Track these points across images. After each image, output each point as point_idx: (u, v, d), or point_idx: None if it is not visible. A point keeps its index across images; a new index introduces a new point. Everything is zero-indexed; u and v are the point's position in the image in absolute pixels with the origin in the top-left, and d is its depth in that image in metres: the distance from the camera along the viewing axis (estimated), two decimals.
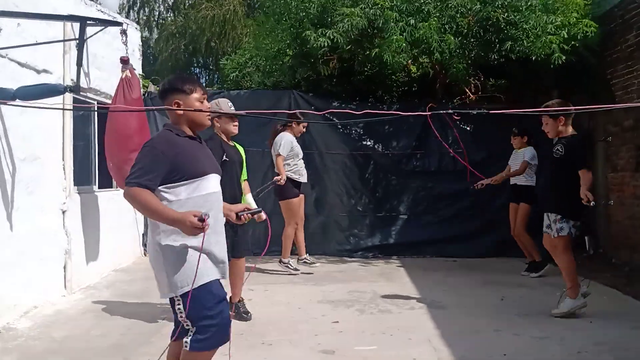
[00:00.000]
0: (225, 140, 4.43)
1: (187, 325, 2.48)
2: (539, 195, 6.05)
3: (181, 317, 2.48)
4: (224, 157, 4.27)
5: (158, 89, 2.78)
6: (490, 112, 2.42)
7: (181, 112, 2.58)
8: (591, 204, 4.21)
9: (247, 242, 4.56)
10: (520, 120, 6.25)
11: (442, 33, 6.29)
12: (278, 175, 6.10)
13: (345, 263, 7.11)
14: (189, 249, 2.45)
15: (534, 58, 6.17)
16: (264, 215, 3.78)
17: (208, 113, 2.69)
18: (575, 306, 4.41)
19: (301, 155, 6.37)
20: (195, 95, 2.63)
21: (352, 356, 3.63)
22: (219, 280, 2.59)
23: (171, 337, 2.68)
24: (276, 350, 3.74)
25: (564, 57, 6.00)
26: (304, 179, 6.36)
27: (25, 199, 4.60)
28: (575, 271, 4.51)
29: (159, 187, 2.45)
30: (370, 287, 5.62)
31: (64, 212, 5.21)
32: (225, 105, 4.38)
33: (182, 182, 2.47)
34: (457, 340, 3.87)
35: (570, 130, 4.58)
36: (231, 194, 4.30)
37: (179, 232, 2.38)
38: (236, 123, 4.43)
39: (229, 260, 4.23)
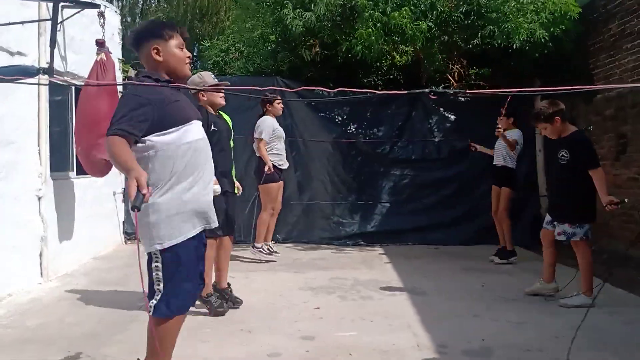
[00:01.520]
0: (212, 112, 4.32)
1: (159, 284, 2.35)
2: (548, 204, 5.91)
3: (157, 275, 2.35)
4: (213, 127, 4.16)
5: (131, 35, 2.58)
6: (468, 92, 2.39)
7: (160, 58, 2.42)
8: (619, 206, 4.12)
9: (234, 221, 4.49)
10: (509, 105, 6.23)
11: (416, 20, 6.22)
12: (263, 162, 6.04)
13: (327, 250, 7.09)
14: (178, 201, 2.34)
15: (515, 45, 6.15)
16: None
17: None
18: (585, 304, 4.31)
19: (284, 137, 6.31)
20: (174, 41, 2.46)
21: (332, 342, 3.61)
22: (202, 233, 2.48)
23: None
24: (255, 337, 3.71)
25: (547, 35, 5.98)
26: (284, 164, 6.30)
27: None
28: (592, 273, 4.45)
29: (146, 138, 2.30)
30: (352, 274, 5.61)
31: (39, 199, 5.10)
32: (209, 77, 4.30)
33: (166, 130, 2.33)
34: (436, 326, 3.87)
35: (570, 127, 4.48)
36: (223, 164, 4.19)
37: (170, 183, 2.31)
38: (222, 94, 4.33)
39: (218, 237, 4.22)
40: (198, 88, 3.97)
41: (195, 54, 16.50)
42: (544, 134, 4.65)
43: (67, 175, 5.87)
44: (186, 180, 2.38)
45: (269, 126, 6.07)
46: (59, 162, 5.68)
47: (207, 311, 4.22)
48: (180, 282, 2.37)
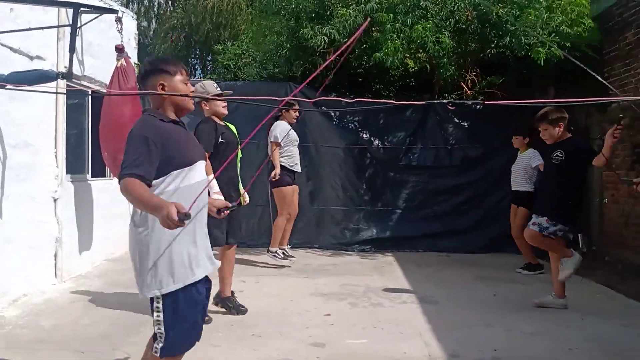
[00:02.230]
0: (219, 121, 4.36)
1: (159, 328, 2.34)
2: (534, 198, 5.93)
3: (157, 318, 2.34)
4: (220, 139, 4.22)
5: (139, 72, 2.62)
6: (486, 102, 2.39)
7: (165, 95, 2.46)
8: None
9: (238, 231, 4.52)
10: (523, 121, 6.21)
11: (438, 32, 6.25)
12: (274, 168, 6.08)
13: (338, 256, 7.09)
14: (177, 245, 2.33)
15: (530, 55, 6.14)
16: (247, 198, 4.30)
17: (192, 96, 2.56)
18: (577, 261, 4.42)
19: (297, 141, 6.32)
20: (179, 77, 2.50)
21: (343, 349, 3.61)
22: (204, 280, 2.47)
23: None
24: (266, 342, 3.72)
25: (563, 53, 5.96)
26: (297, 167, 6.30)
27: (16, 187, 4.55)
28: (558, 245, 4.50)
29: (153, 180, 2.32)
30: (363, 280, 5.61)
31: (55, 200, 5.17)
32: (211, 86, 4.33)
33: (171, 173, 2.34)
34: (448, 335, 3.86)
35: (567, 135, 4.54)
36: (229, 176, 4.26)
37: (170, 230, 2.24)
38: (225, 104, 4.36)
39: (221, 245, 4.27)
40: (204, 96, 4.04)
41: (209, 59, 16.66)
42: (542, 136, 4.66)
43: (82, 177, 5.94)
44: (190, 224, 2.35)
45: (283, 130, 6.09)
46: (74, 165, 5.76)
47: (216, 316, 4.26)
48: (182, 325, 2.37)
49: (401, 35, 6.18)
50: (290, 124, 6.25)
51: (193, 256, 2.39)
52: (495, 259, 6.57)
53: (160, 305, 2.33)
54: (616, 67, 6.78)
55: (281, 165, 6.09)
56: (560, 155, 4.45)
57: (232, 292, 4.50)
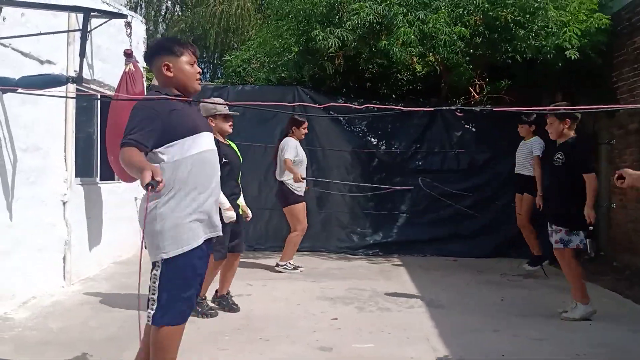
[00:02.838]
0: (222, 140, 4.44)
1: (153, 294, 2.39)
2: (543, 206, 5.83)
3: (153, 285, 2.40)
4: (224, 160, 4.29)
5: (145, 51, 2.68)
6: (495, 109, 2.39)
7: (170, 74, 2.48)
8: (590, 227, 4.15)
9: (242, 242, 4.62)
10: (518, 124, 6.23)
11: (451, 25, 6.23)
12: (283, 182, 6.09)
13: (345, 260, 7.10)
14: (184, 212, 2.39)
15: (540, 58, 6.14)
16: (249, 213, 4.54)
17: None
18: (588, 312, 4.34)
19: (305, 162, 6.31)
20: (185, 58, 2.51)
21: (350, 353, 3.62)
22: (204, 244, 2.50)
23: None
24: (273, 346, 3.73)
25: (577, 53, 5.97)
26: (301, 191, 6.25)
27: (25, 190, 4.59)
28: (582, 278, 4.45)
29: (156, 149, 2.37)
30: (370, 284, 5.61)
31: (64, 203, 5.21)
32: (220, 105, 4.41)
33: (176, 141, 2.39)
34: (455, 340, 3.86)
35: (572, 133, 4.50)
36: (231, 194, 4.37)
37: (178, 194, 2.37)
38: (231, 123, 4.47)
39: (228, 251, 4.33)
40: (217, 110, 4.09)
41: (216, 61, 16.71)
42: (547, 128, 4.60)
43: (91, 180, 5.98)
44: (193, 191, 2.42)
45: (293, 148, 6.08)
46: (83, 168, 5.80)
47: (223, 319, 4.33)
48: (177, 292, 2.41)
49: (413, 27, 6.13)
50: (299, 140, 6.25)
51: (200, 222, 2.44)
52: (502, 264, 6.54)
53: (157, 272, 2.39)
54: (624, 71, 6.75)
55: (289, 184, 6.07)
56: (561, 157, 4.42)
57: (228, 292, 4.60)
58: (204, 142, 2.49)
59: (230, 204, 4.34)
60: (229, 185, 4.34)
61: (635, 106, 6.22)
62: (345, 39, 6.27)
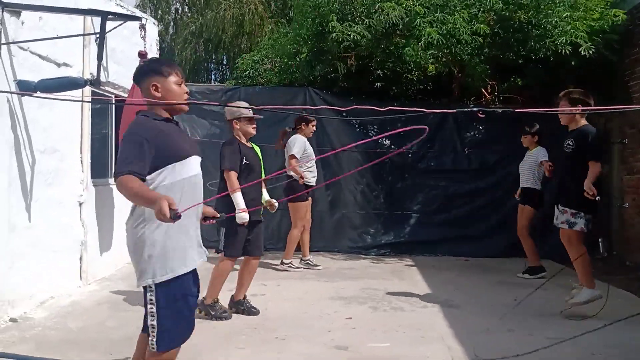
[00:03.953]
0: (244, 142, 4.50)
1: (152, 319, 2.39)
2: (555, 190, 5.89)
3: (151, 309, 2.41)
4: (244, 161, 4.38)
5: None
6: (517, 110, 2.40)
7: (159, 94, 2.50)
8: (596, 199, 4.20)
9: (262, 241, 4.62)
10: (534, 121, 6.22)
11: (471, 24, 6.24)
12: (292, 177, 6.15)
13: (357, 260, 7.12)
14: (170, 238, 2.40)
15: (552, 58, 6.13)
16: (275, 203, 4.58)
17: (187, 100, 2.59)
18: (594, 296, 4.38)
19: (313, 158, 6.36)
20: (172, 78, 2.54)
21: (366, 353, 3.64)
22: (195, 272, 2.54)
23: (142, 329, 2.64)
24: (290, 345, 3.77)
25: (592, 48, 5.96)
26: (313, 180, 6.33)
27: (43, 191, 4.66)
28: (589, 263, 4.49)
29: (147, 177, 2.38)
30: (383, 284, 5.63)
31: (80, 204, 5.28)
32: (245, 109, 4.44)
33: (165, 166, 2.41)
34: (469, 340, 3.87)
35: (583, 122, 4.52)
36: (252, 196, 4.45)
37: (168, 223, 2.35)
38: (255, 125, 4.52)
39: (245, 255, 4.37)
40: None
41: (225, 63, 16.78)
42: (559, 112, 4.63)
43: (106, 181, 6.04)
44: (183, 216, 2.38)
45: (300, 145, 6.16)
46: (98, 169, 5.86)
47: (239, 318, 4.38)
48: (174, 316, 2.42)
49: (434, 28, 6.15)
50: (307, 137, 6.30)
51: (185, 248, 2.46)
52: (514, 264, 6.54)
53: (153, 297, 2.40)
54: (637, 70, 6.73)
55: (297, 181, 6.12)
56: (571, 143, 4.45)
57: (245, 296, 4.60)
58: (193, 167, 2.52)
59: (251, 205, 4.37)
60: (250, 189, 4.36)
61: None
62: (363, 36, 6.27)
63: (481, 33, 6.18)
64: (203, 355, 3.56)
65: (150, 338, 2.41)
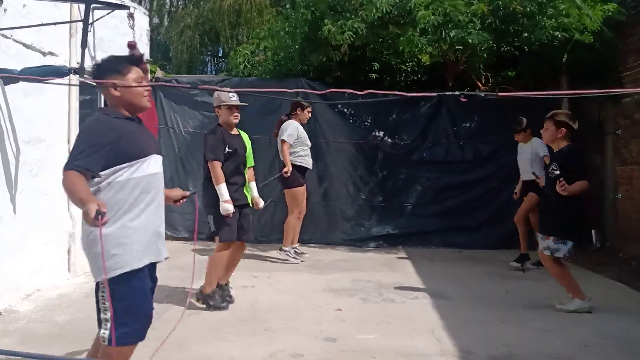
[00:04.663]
0: (228, 130, 4.46)
1: (105, 314, 2.37)
2: (539, 217, 5.71)
3: (103, 305, 2.38)
4: (227, 149, 4.34)
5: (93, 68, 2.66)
6: (500, 94, 2.36)
7: (118, 93, 2.45)
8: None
9: (250, 225, 4.60)
10: (520, 116, 6.16)
11: (468, 6, 6.18)
12: (284, 164, 6.11)
13: (350, 252, 7.09)
14: (126, 232, 2.37)
15: (547, 48, 6.08)
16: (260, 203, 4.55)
17: (147, 94, 2.54)
18: (583, 307, 4.32)
19: (308, 143, 6.33)
20: (132, 75, 2.49)
21: (354, 344, 3.60)
22: (150, 266, 2.51)
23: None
24: (278, 337, 3.73)
25: (591, 37, 5.92)
26: (309, 164, 6.32)
27: (29, 182, 4.59)
28: (571, 276, 4.43)
29: (103, 171, 2.34)
30: (375, 276, 5.60)
31: None
32: (225, 96, 4.41)
33: (122, 165, 2.37)
34: (460, 331, 3.84)
35: (565, 142, 4.42)
36: (235, 183, 4.42)
37: (119, 215, 2.34)
38: (236, 114, 4.48)
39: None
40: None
41: (221, 55, 16.67)
42: (542, 132, 4.57)
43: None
44: (135, 214, 2.41)
45: (293, 130, 6.11)
46: None
47: (229, 310, 4.34)
48: (127, 312, 2.38)
49: (430, 8, 6.05)
50: (302, 123, 6.25)
51: (142, 243, 2.42)
52: (507, 256, 6.51)
53: (106, 293, 2.35)
54: (629, 61, 6.69)
55: (294, 165, 6.10)
56: (555, 168, 4.37)
57: (227, 282, 4.59)
58: (152, 166, 2.49)
59: (236, 194, 4.34)
60: (234, 176, 4.38)
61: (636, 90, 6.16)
62: (359, 30, 6.21)
63: (479, 14, 6.10)
64: (191, 348, 3.52)
65: (102, 332, 2.39)
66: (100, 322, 2.41)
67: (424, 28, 6.02)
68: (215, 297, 4.35)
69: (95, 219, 2.06)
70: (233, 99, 4.42)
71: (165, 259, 2.61)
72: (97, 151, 2.30)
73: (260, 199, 4.73)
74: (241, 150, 4.48)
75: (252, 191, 4.64)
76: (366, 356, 3.39)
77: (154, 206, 2.50)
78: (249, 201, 4.58)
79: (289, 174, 6.06)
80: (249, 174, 4.62)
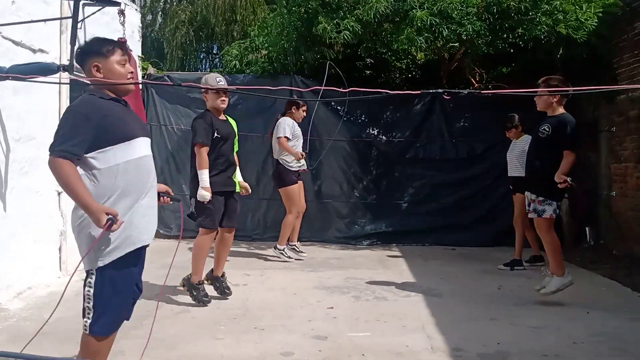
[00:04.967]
0: (216, 116, 4.45)
1: (89, 302, 2.36)
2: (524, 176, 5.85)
3: (88, 292, 2.38)
4: (215, 135, 4.34)
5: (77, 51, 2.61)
6: (482, 92, 2.35)
7: (100, 75, 2.42)
8: (569, 185, 4.18)
9: (235, 213, 4.57)
10: (512, 112, 6.15)
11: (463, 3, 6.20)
12: (279, 161, 6.08)
13: (343, 250, 7.07)
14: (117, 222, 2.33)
15: (542, 44, 6.06)
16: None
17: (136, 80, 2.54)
18: (564, 284, 4.37)
19: (301, 139, 6.30)
20: (115, 57, 2.45)
21: (345, 342, 3.59)
22: (140, 250, 2.48)
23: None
24: (270, 335, 3.72)
25: (585, 36, 5.92)
26: (303, 166, 6.29)
27: (19, 180, 4.56)
28: (560, 250, 4.48)
29: (87, 155, 2.31)
30: (367, 274, 5.59)
31: (59, 194, 5.18)
32: (213, 80, 4.40)
33: (109, 147, 2.33)
34: (451, 329, 3.84)
35: (561, 110, 4.45)
36: (222, 167, 4.42)
37: (110, 202, 2.33)
38: (224, 98, 4.45)
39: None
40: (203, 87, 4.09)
41: (215, 52, 16.59)
42: (536, 99, 4.57)
43: None
44: (126, 198, 2.37)
45: (288, 125, 6.09)
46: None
47: (219, 308, 4.30)
48: (111, 301, 2.38)
49: (425, 7, 6.07)
50: (296, 121, 6.22)
51: (130, 233, 2.39)
52: (501, 253, 6.51)
53: (92, 280, 2.36)
54: (625, 57, 6.69)
55: (285, 163, 6.06)
56: (547, 129, 4.39)
57: (223, 273, 4.62)
58: (139, 148, 2.44)
59: (226, 181, 4.34)
60: (224, 162, 4.38)
61: (630, 86, 6.15)
62: (353, 31, 6.20)
63: (473, 14, 6.10)
64: (181, 346, 3.51)
65: (84, 320, 2.39)
66: (84, 311, 2.41)
67: (420, 27, 6.00)
68: (200, 289, 4.36)
69: (109, 227, 2.17)
70: (221, 83, 4.40)
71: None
72: (81, 134, 2.27)
73: (246, 183, 4.75)
74: (229, 135, 4.47)
75: (237, 176, 4.64)
76: (356, 354, 3.38)
77: (147, 189, 2.46)
78: (237, 188, 4.57)
79: (302, 156, 6.04)
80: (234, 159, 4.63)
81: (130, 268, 2.43)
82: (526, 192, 4.58)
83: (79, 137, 2.26)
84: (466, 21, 6.08)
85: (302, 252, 6.47)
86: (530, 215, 4.50)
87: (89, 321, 2.36)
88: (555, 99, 4.40)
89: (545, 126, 4.43)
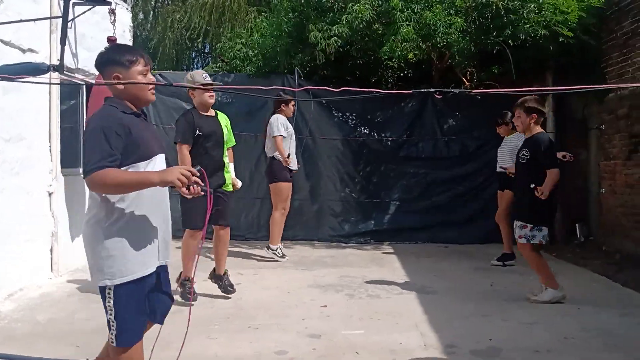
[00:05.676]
0: (202, 112, 4.42)
1: (111, 316, 2.29)
2: (513, 203, 5.79)
3: (109, 304, 2.29)
4: (197, 132, 4.31)
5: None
6: (473, 91, 2.37)
7: (121, 87, 2.32)
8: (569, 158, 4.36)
9: (228, 211, 4.56)
10: (505, 109, 6.19)
11: (447, 16, 6.26)
12: (274, 157, 6.08)
13: (337, 248, 7.08)
14: (132, 236, 2.28)
15: (530, 42, 6.10)
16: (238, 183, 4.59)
17: (150, 86, 2.41)
18: (556, 297, 4.39)
19: (294, 137, 6.30)
20: (137, 67, 2.33)
21: (339, 340, 3.60)
22: (164, 269, 2.47)
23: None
24: (264, 334, 3.72)
25: (571, 34, 5.99)
26: (295, 166, 6.27)
27: (10, 180, 4.53)
28: (547, 265, 4.52)
29: None
30: (361, 272, 5.60)
31: (50, 194, 5.15)
32: (199, 76, 4.38)
33: (131, 165, 2.27)
34: (444, 326, 3.86)
35: (537, 129, 4.51)
36: (208, 165, 4.22)
37: (124, 221, 2.26)
38: (212, 93, 4.43)
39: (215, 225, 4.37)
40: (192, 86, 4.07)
41: (207, 52, 16.55)
42: (514, 121, 4.68)
43: (77, 171, 5.88)
44: (143, 216, 2.32)
45: (282, 123, 6.08)
46: (69, 158, 5.71)
47: (213, 307, 4.30)
48: (134, 314, 2.33)
49: (411, 22, 6.16)
50: (287, 118, 6.23)
51: (148, 248, 2.34)
52: (493, 250, 6.54)
53: (112, 294, 2.28)
54: (614, 56, 6.74)
55: (279, 161, 6.06)
56: (526, 154, 4.45)
57: (226, 271, 4.62)
58: (157, 166, 2.38)
59: (210, 176, 4.33)
60: (206, 159, 4.27)
61: (620, 86, 6.22)
62: (345, 35, 6.24)
63: (458, 28, 6.18)
64: (175, 346, 3.49)
65: (110, 332, 2.33)
66: (108, 322, 2.34)
67: (404, 38, 6.11)
68: (185, 285, 4.36)
69: (195, 187, 2.19)
70: (207, 79, 4.39)
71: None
72: (112, 147, 2.19)
73: (237, 179, 4.73)
74: (215, 132, 4.42)
75: (230, 171, 4.62)
76: (351, 352, 3.39)
77: (162, 207, 2.43)
78: (228, 184, 4.54)
79: (290, 161, 6.03)
80: (229, 154, 4.59)
81: (147, 284, 2.37)
82: (515, 220, 4.58)
83: (116, 152, 2.20)
84: (453, 31, 6.17)
85: (284, 255, 6.34)
86: (519, 241, 4.47)
87: (114, 333, 2.30)
88: (532, 120, 4.46)
89: (523, 151, 4.50)
